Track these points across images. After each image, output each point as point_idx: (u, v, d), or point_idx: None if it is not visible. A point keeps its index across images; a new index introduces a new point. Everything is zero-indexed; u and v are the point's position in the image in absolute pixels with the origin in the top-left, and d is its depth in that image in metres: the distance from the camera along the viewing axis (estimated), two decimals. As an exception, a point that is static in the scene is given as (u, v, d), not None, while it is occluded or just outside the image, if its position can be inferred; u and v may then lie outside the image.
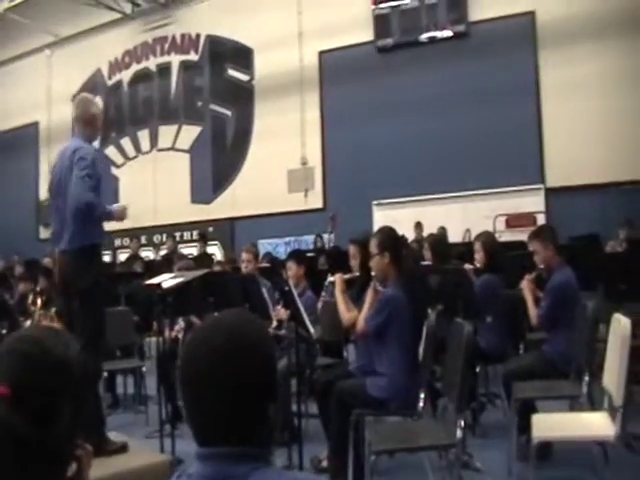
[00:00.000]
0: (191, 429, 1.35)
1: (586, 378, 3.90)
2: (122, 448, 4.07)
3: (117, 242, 16.28)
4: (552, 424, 3.53)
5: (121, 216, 4.45)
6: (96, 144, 14.74)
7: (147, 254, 14.89)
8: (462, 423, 3.33)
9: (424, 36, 13.49)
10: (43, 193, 18.01)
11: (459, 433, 3.31)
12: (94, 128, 4.42)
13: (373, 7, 13.95)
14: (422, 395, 3.89)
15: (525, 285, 4.82)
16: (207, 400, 1.32)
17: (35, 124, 18.85)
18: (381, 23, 13.92)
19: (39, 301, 7.58)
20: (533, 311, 4.67)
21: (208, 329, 1.42)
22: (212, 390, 1.31)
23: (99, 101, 4.29)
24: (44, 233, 17.78)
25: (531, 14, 12.49)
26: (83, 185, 4.08)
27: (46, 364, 1.09)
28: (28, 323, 7.59)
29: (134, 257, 12.84)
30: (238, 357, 1.32)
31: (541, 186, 12.26)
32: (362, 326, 4.17)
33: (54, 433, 1.07)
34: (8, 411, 1.02)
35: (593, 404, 3.88)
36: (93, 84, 17.80)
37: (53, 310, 7.28)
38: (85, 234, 4.15)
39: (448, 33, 13.30)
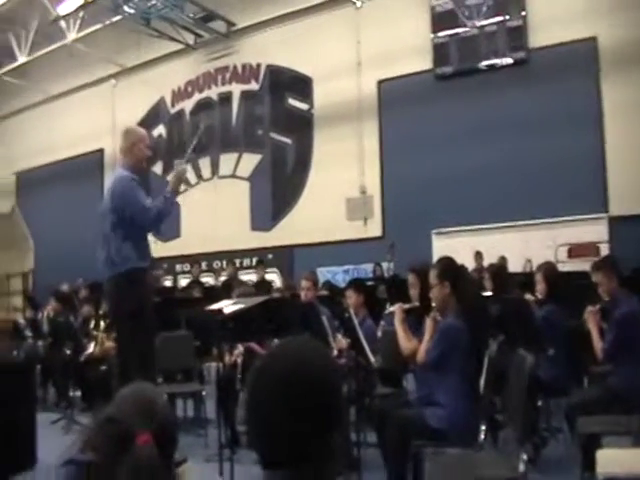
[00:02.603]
0: (256, 452, 1.38)
1: (654, 413, 3.81)
2: (181, 462, 4.11)
3: (178, 267, 16.48)
4: (618, 460, 3.44)
5: (180, 180, 4.67)
6: (158, 171, 14.98)
7: (207, 280, 15.05)
8: (525, 456, 3.28)
9: (483, 64, 13.42)
10: (107, 218, 18.44)
11: (522, 466, 3.25)
12: (133, 156, 4.57)
13: (432, 35, 13.97)
14: (483, 426, 3.84)
15: (589, 317, 4.73)
16: (272, 426, 1.35)
17: (100, 151, 19.35)
18: (440, 51, 13.92)
19: (102, 324, 7.77)
20: (598, 344, 4.56)
21: (274, 356, 1.45)
22: (277, 416, 1.34)
23: (142, 131, 4.49)
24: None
25: (593, 39, 12.30)
26: (144, 212, 4.25)
27: (169, 414, 1.51)
28: (91, 345, 7.78)
29: (194, 282, 13.01)
30: (303, 384, 1.35)
31: (604, 215, 12.01)
32: (422, 357, 4.16)
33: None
34: (153, 452, 1.34)
35: (661, 440, 3.77)
36: (156, 113, 18.26)
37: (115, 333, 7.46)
38: (128, 257, 4.30)
39: (508, 60, 13.21)
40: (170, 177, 4.73)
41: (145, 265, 4.46)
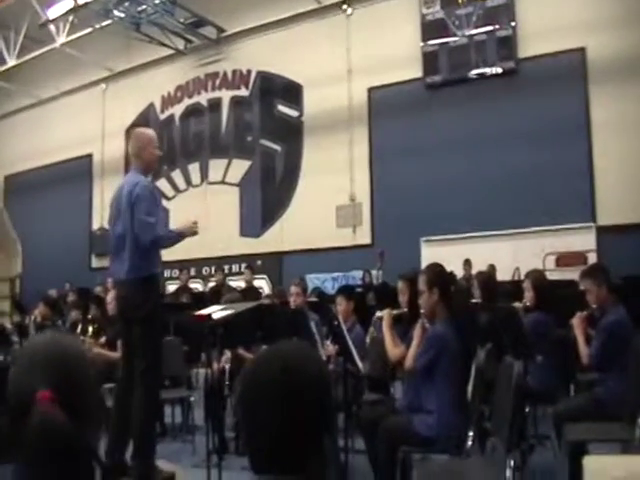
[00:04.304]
0: (248, 456, 1.38)
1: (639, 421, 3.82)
2: (170, 478, 4.13)
3: (166, 273, 16.25)
4: (605, 467, 3.45)
5: (192, 232, 4.59)
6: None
7: (196, 286, 15.03)
8: (512, 463, 3.29)
9: (473, 73, 13.49)
10: (95, 223, 18.42)
11: (508, 473, 3.26)
12: (143, 160, 4.55)
13: (422, 44, 14.05)
14: (470, 434, 3.85)
15: (576, 323, 4.74)
16: (263, 428, 1.36)
17: (89, 156, 19.32)
18: (430, 60, 14.00)
19: (90, 329, 7.72)
20: (584, 350, 4.58)
21: (265, 360, 1.46)
22: (268, 419, 1.34)
23: (150, 132, 4.45)
24: (96, 262, 18.13)
25: (581, 50, 12.43)
26: (145, 225, 4.23)
27: (75, 366, 1.31)
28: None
29: (183, 288, 12.96)
30: (294, 387, 1.35)
31: (592, 224, 12.10)
32: (410, 363, 4.16)
33: (85, 422, 1.26)
34: (51, 411, 1.18)
35: (647, 447, 3.79)
36: (146, 118, 18.22)
37: (103, 338, 7.43)
38: (143, 265, 4.27)
39: (497, 70, 13.29)
40: (183, 227, 4.62)
41: (157, 271, 4.45)
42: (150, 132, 4.75)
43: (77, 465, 1.23)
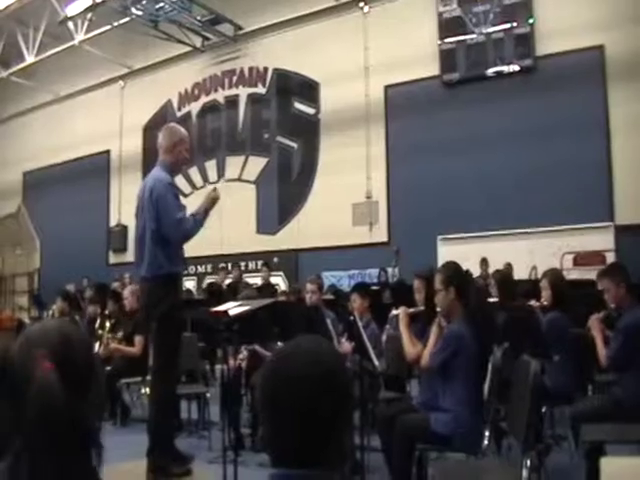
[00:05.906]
0: (267, 449, 1.40)
1: (658, 422, 3.79)
2: (186, 473, 4.15)
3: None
4: (623, 469, 3.43)
5: (214, 200, 4.53)
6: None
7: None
8: (528, 463, 3.28)
9: (490, 70, 13.44)
10: (113, 219, 18.53)
11: (525, 474, 3.25)
12: (174, 156, 4.52)
13: (439, 42, 14.00)
14: (487, 433, 3.84)
15: (593, 324, 4.71)
16: (283, 422, 1.36)
17: (107, 152, 19.42)
18: (447, 57, 13.95)
19: (107, 324, 7.78)
20: (602, 351, 4.54)
21: (286, 353, 1.46)
22: (288, 413, 1.35)
23: (185, 132, 4.35)
24: (113, 258, 18.24)
25: (600, 48, 12.33)
26: (173, 225, 4.23)
27: (78, 350, 1.33)
28: (97, 345, 7.79)
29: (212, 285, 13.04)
30: (315, 382, 1.36)
31: (610, 224, 12.01)
32: (427, 361, 4.15)
33: (85, 405, 1.27)
34: (51, 377, 1.21)
35: (665, 449, 3.76)
36: (163, 115, 18.26)
37: (121, 334, 7.49)
38: (163, 263, 4.27)
39: (515, 67, 13.23)
40: (203, 199, 4.56)
41: (177, 270, 4.44)
42: (185, 132, 4.69)
43: (76, 448, 1.24)
